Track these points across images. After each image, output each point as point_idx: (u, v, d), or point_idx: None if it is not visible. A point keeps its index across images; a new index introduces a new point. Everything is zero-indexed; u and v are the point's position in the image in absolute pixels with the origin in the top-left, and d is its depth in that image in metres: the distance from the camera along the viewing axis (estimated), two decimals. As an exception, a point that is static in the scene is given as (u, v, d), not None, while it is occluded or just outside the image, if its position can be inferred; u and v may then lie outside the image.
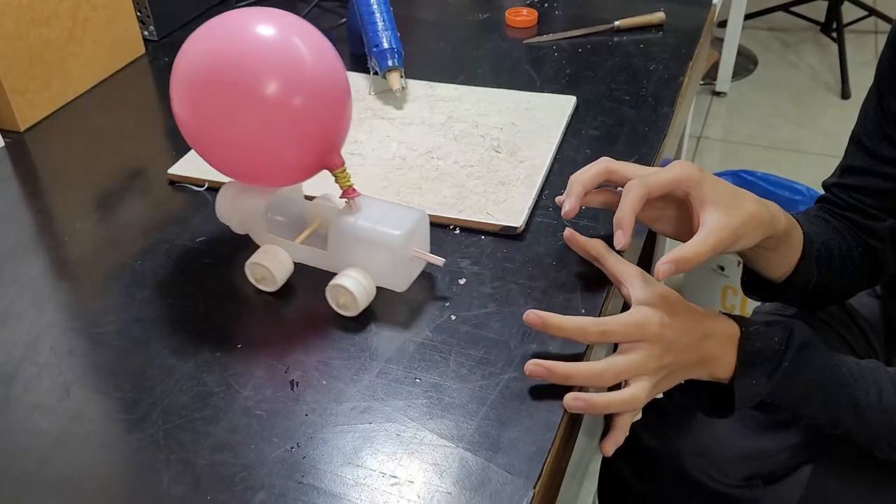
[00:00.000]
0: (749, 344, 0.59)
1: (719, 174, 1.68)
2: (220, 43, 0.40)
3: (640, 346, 0.55)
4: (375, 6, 0.84)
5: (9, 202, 0.76)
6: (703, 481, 0.73)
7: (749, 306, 1.52)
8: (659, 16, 1.00)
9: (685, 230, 0.62)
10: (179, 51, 0.48)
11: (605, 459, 0.89)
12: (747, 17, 2.45)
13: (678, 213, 0.63)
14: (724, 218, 0.57)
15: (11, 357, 0.58)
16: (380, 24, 0.84)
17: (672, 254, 0.55)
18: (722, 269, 1.51)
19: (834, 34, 2.59)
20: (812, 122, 2.37)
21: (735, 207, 0.58)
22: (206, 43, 0.40)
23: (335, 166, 0.59)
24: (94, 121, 0.87)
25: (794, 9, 2.73)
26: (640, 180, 0.59)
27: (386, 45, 0.83)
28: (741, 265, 1.44)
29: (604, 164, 0.62)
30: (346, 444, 0.51)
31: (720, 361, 0.59)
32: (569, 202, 0.60)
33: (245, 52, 0.41)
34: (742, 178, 1.64)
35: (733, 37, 2.36)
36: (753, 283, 0.74)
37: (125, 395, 0.54)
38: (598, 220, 0.69)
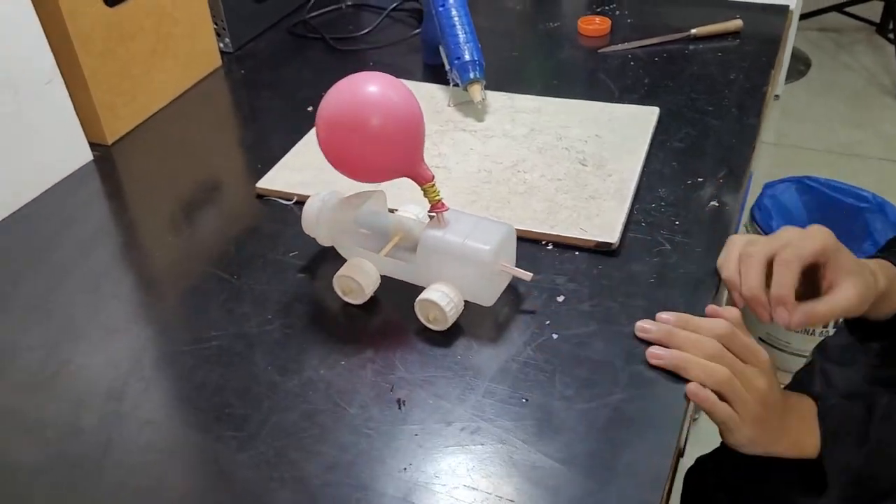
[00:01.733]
0: (831, 417, 0.61)
1: (780, 180, 1.65)
2: (343, 94, 0.58)
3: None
4: (457, 18, 0.84)
5: (101, 216, 0.77)
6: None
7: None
8: (736, 23, 0.99)
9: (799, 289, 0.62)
10: (322, 100, 0.59)
11: (691, 470, 0.88)
12: (800, 17, 2.41)
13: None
14: (856, 286, 0.59)
15: (119, 372, 0.59)
16: (461, 36, 0.83)
17: (807, 307, 0.58)
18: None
19: (890, 35, 2.53)
20: (869, 125, 2.32)
21: (861, 276, 0.60)
22: (335, 95, 0.58)
23: (425, 180, 0.59)
24: (176, 134, 0.88)
25: (848, 9, 2.67)
26: (794, 252, 0.58)
27: (468, 57, 0.83)
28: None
29: (759, 259, 0.60)
30: (458, 466, 0.51)
31: (804, 436, 0.61)
32: (784, 315, 0.59)
33: (357, 101, 0.57)
34: (806, 185, 1.61)
35: (786, 38, 2.32)
36: (855, 322, 0.74)
37: (234, 412, 0.55)
38: (690, 236, 0.68)
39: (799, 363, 1.57)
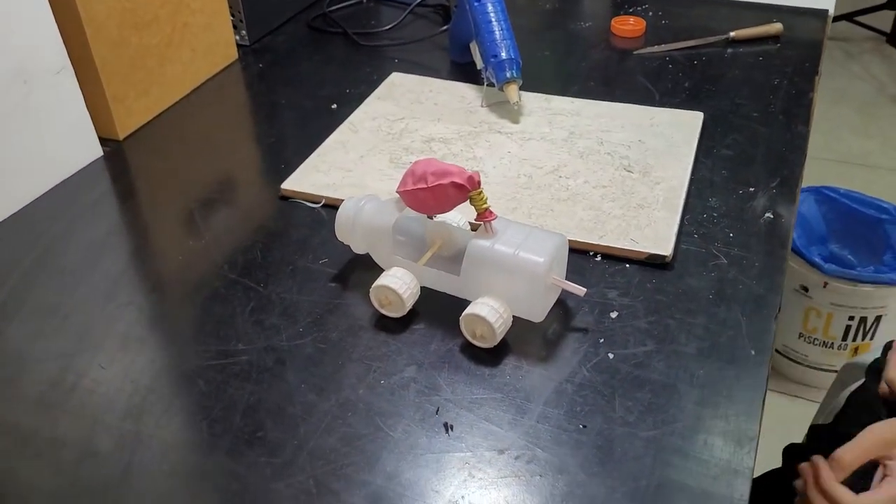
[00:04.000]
0: None
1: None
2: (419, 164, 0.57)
3: None
4: (493, 14, 0.80)
5: (113, 216, 0.72)
6: None
7: (833, 327, 1.46)
8: (777, 27, 0.95)
9: None
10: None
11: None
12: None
13: None
14: None
15: (138, 387, 0.54)
16: (497, 34, 0.79)
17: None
18: (806, 289, 1.45)
19: (901, 44, 2.51)
20: (879, 134, 2.30)
21: None
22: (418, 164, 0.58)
23: (472, 186, 0.55)
24: (191, 130, 0.83)
25: (858, 18, 2.65)
26: None
27: (504, 56, 0.78)
28: (826, 286, 1.37)
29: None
30: (515, 499, 0.46)
31: None
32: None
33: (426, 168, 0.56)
34: (825, 195, 1.57)
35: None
36: None
37: (267, 436, 0.50)
38: (747, 249, 0.64)
39: (818, 376, 1.53)
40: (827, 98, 2.47)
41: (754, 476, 0.85)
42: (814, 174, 2.16)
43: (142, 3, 0.78)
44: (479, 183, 0.55)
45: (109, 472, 0.48)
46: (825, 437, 0.81)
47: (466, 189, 0.55)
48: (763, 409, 0.52)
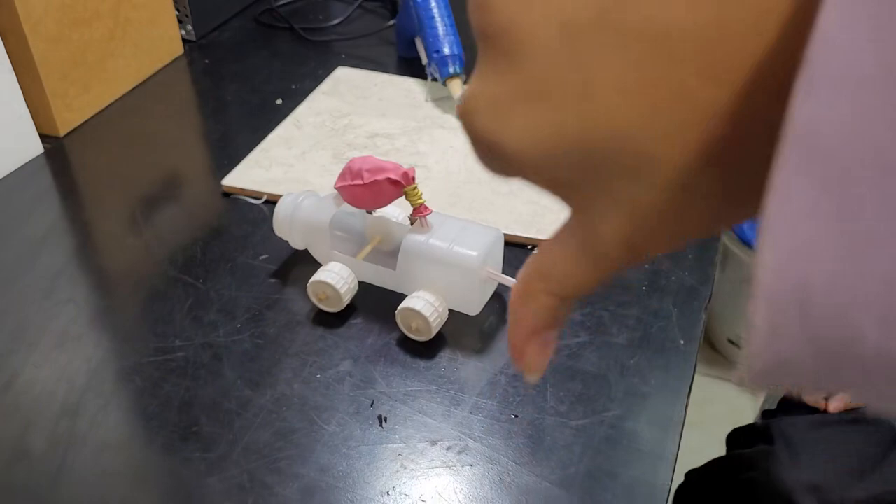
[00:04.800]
0: None
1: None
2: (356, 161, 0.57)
3: None
4: (436, 10, 0.80)
5: (54, 214, 0.71)
6: None
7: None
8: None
9: None
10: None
11: (682, 487, 0.86)
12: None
13: None
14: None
15: (74, 386, 0.54)
16: (440, 29, 0.80)
17: None
18: (755, 278, 1.48)
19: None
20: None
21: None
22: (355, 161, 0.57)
23: (406, 182, 0.56)
24: (134, 126, 0.83)
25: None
26: None
27: (448, 52, 0.79)
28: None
29: None
30: (445, 489, 0.47)
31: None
32: None
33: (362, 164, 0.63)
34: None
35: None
36: None
37: (202, 431, 0.50)
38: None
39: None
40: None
41: (701, 465, 0.87)
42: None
43: (81, -3, 0.77)
44: (413, 179, 0.56)
45: (43, 472, 0.48)
46: (772, 422, 0.84)
47: (401, 185, 0.56)
48: (689, 395, 0.53)
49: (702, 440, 1.08)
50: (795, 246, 0.14)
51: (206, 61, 0.93)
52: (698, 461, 0.89)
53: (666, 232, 0.18)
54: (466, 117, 0.19)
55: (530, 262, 0.21)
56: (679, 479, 0.90)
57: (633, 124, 0.16)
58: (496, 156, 0.18)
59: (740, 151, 0.16)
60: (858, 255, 0.13)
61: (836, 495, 0.73)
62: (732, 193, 0.17)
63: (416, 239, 0.56)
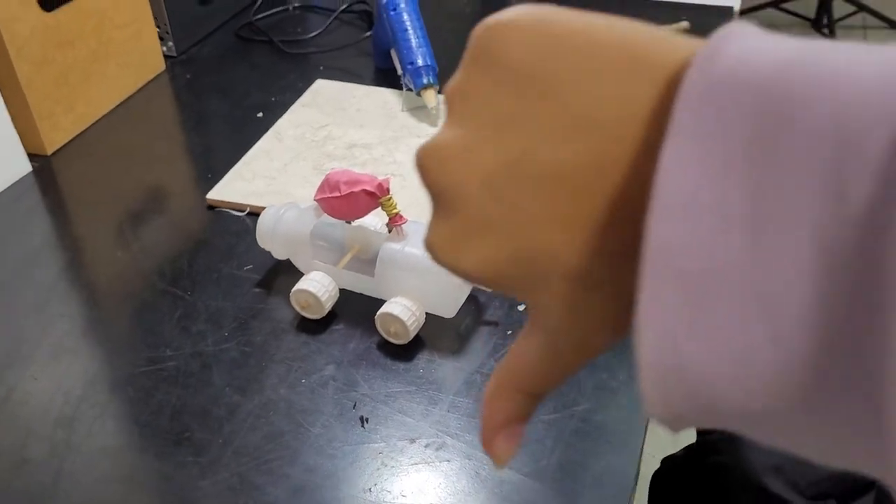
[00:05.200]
0: None
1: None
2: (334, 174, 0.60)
3: None
4: (408, 22, 0.83)
5: (44, 230, 0.74)
6: (778, 494, 0.74)
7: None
8: (683, 25, 1.00)
9: None
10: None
11: (657, 473, 0.89)
12: (741, 13, 2.47)
13: None
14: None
15: (70, 398, 0.56)
16: (413, 41, 0.83)
17: None
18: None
19: (825, 30, 2.61)
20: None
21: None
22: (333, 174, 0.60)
23: (381, 193, 0.59)
24: (119, 142, 0.85)
25: (784, 5, 2.75)
26: None
27: (421, 63, 0.82)
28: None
29: None
30: (425, 484, 0.50)
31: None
32: None
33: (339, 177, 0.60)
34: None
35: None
36: None
37: (194, 436, 0.53)
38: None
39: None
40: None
41: (675, 452, 0.90)
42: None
43: (65, 20, 0.80)
44: (388, 190, 0.59)
45: (41, 479, 0.51)
46: None
47: (376, 196, 0.58)
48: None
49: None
50: (663, 336, 0.17)
51: (188, 76, 0.96)
52: (677, 447, 0.92)
53: (597, 323, 0.21)
54: (429, 252, 0.24)
55: (502, 361, 0.25)
56: (656, 465, 0.93)
57: (551, 240, 0.21)
58: (461, 277, 0.23)
59: (632, 254, 0.19)
60: (711, 342, 0.17)
61: (798, 475, 0.76)
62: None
63: (393, 247, 0.59)
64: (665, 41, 0.20)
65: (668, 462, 0.91)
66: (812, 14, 2.77)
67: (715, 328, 0.17)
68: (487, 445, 0.25)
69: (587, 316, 0.21)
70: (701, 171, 0.17)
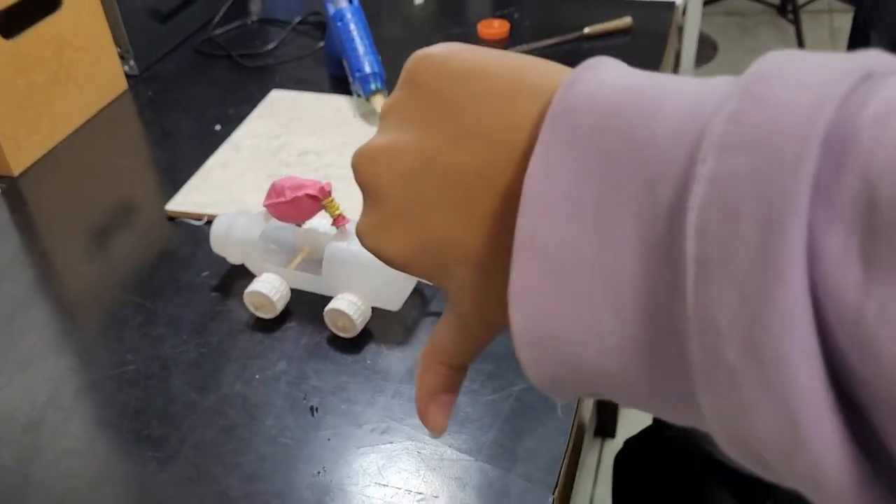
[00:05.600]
0: None
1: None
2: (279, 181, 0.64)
3: None
4: (355, 32, 0.86)
5: (12, 248, 0.77)
6: (730, 465, 0.77)
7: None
8: (626, 21, 1.04)
9: None
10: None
11: (620, 453, 0.93)
12: (705, 3, 2.51)
13: None
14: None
15: (36, 404, 0.60)
16: (360, 49, 0.86)
17: None
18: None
19: (790, 16, 2.65)
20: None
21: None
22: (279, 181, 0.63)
23: (323, 196, 0.62)
24: (84, 160, 0.88)
25: (749, -7, 2.79)
26: None
27: (368, 70, 0.85)
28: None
29: None
30: (369, 465, 0.53)
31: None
32: None
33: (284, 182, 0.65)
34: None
35: (693, 25, 2.41)
36: None
37: (153, 434, 0.57)
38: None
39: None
40: (725, 72, 2.58)
41: (632, 435, 0.94)
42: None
43: (24, 45, 0.83)
44: (329, 192, 0.62)
45: (10, 483, 0.54)
46: None
47: (319, 198, 0.62)
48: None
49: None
50: (531, 308, 0.21)
51: (150, 94, 0.99)
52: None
53: (497, 303, 0.24)
54: (359, 239, 0.28)
55: (428, 339, 0.29)
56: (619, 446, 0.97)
57: (454, 232, 0.25)
58: (383, 262, 0.27)
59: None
60: (569, 313, 0.21)
61: None
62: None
63: (338, 246, 0.63)
64: (546, 70, 0.24)
65: (629, 442, 0.95)
66: (777, 0, 2.81)
67: (571, 301, 0.21)
68: (422, 416, 0.29)
69: (488, 298, 0.25)
70: (559, 175, 0.21)
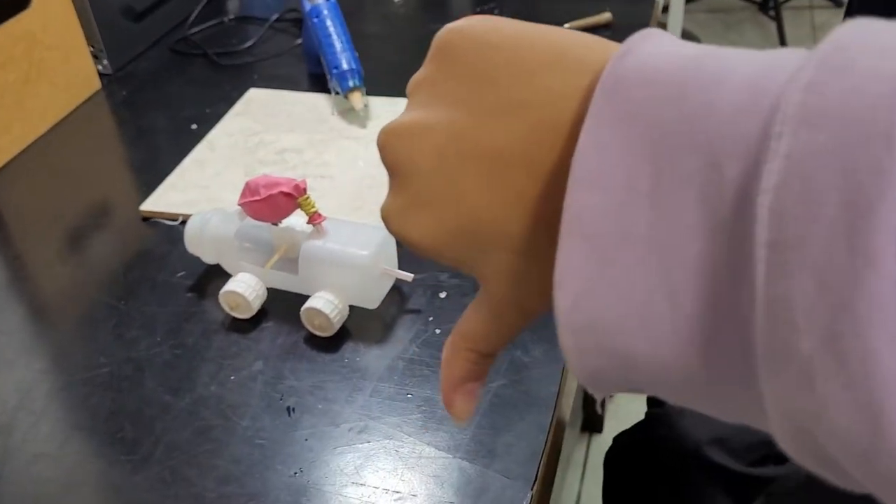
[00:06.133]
0: None
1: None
2: (254, 179, 0.62)
3: None
4: (332, 28, 0.86)
5: (-17, 251, 0.76)
6: (722, 464, 0.77)
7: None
8: (606, 16, 1.03)
9: None
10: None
11: (610, 451, 0.93)
12: (688, 0, 2.51)
13: None
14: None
15: (6, 407, 0.58)
16: (337, 46, 0.85)
17: None
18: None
19: (772, 12, 2.67)
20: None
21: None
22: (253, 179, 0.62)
23: (298, 193, 0.61)
24: (58, 161, 0.87)
25: (731, -10, 2.80)
26: None
27: (346, 67, 0.84)
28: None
29: None
30: (347, 465, 0.53)
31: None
32: None
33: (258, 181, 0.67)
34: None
35: (676, 21, 2.41)
36: None
37: (126, 436, 0.56)
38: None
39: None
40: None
41: (622, 431, 0.93)
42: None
43: (-6, 44, 0.82)
44: (304, 190, 0.61)
45: (-20, 487, 0.53)
46: None
47: (294, 196, 0.61)
48: (566, 365, 0.59)
49: (638, 405, 1.15)
50: (577, 293, 0.20)
51: (124, 93, 0.98)
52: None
53: (535, 289, 0.23)
54: (385, 223, 0.26)
55: (456, 325, 0.27)
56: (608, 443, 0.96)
57: (492, 213, 0.23)
58: (409, 247, 0.25)
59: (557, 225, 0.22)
60: (617, 296, 0.19)
61: (737, 443, 0.80)
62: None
63: (314, 244, 0.62)
64: (592, 43, 0.23)
65: (619, 439, 0.95)
66: (758, -3, 2.82)
67: (623, 285, 0.19)
68: (448, 404, 0.28)
69: (527, 283, 0.23)
70: (611, 150, 0.19)
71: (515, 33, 0.24)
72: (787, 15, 2.67)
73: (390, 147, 0.25)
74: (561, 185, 0.20)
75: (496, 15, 1.07)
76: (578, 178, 0.20)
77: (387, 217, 0.26)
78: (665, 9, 2.40)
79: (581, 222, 0.20)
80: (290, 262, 0.65)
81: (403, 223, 0.25)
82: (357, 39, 0.90)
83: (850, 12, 0.83)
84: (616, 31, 1.03)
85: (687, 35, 2.69)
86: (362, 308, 0.63)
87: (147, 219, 0.76)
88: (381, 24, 1.11)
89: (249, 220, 0.66)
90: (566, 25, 1.02)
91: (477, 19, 0.25)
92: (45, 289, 0.71)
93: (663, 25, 2.45)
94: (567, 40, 0.23)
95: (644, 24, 1.04)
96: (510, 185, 0.22)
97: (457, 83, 0.24)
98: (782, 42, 2.53)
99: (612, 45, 0.23)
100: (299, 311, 0.62)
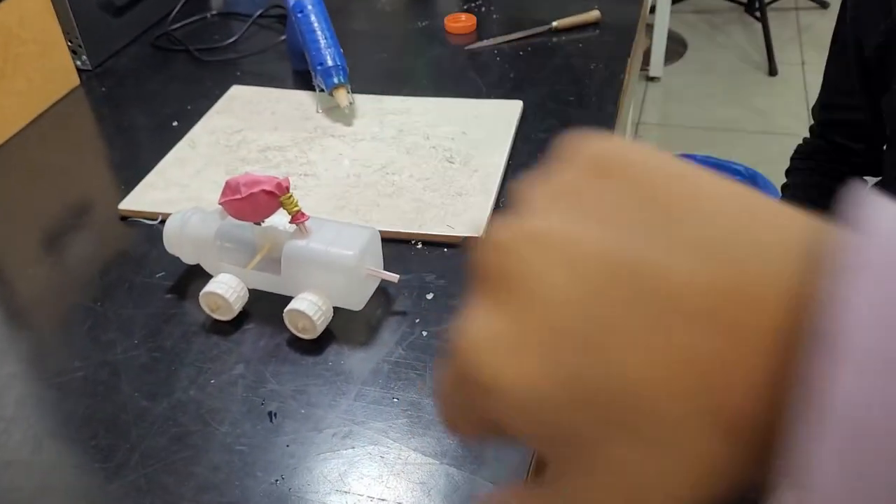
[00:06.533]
0: None
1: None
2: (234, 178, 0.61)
3: None
4: (316, 24, 0.84)
5: (-46, 251, 0.73)
6: None
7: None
8: (594, 14, 1.02)
9: None
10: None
11: None
12: (674, 1, 2.51)
13: None
14: None
15: (-24, 414, 0.56)
16: (322, 42, 0.83)
17: None
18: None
19: (757, 13, 2.67)
20: (744, 101, 2.44)
21: None
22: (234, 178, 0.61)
23: (281, 192, 0.59)
24: (35, 158, 0.85)
25: (718, -9, 2.80)
26: None
27: (330, 63, 0.83)
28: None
29: None
30: (330, 472, 0.51)
31: None
32: None
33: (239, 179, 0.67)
34: (683, 162, 1.68)
35: (663, 22, 2.41)
36: None
37: (100, 443, 0.54)
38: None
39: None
40: (695, 70, 2.61)
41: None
42: (684, 142, 2.29)
43: (-33, 38, 0.79)
44: (287, 188, 0.59)
45: (-53, 496, 0.51)
46: None
47: (276, 195, 0.59)
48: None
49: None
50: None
51: (104, 89, 0.96)
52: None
53: (649, 491, 0.17)
54: (460, 348, 0.19)
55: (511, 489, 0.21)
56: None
57: (645, 380, 0.16)
58: (485, 391, 0.18)
59: (753, 417, 0.16)
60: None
61: None
62: (740, 460, 0.17)
63: (297, 244, 0.60)
64: (778, 210, 0.18)
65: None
66: (745, -2, 2.83)
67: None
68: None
69: (640, 478, 0.17)
70: (874, 322, 0.14)
71: (681, 166, 0.19)
72: (772, 16, 2.67)
73: (519, 254, 0.19)
74: (771, 353, 0.16)
75: (483, 12, 1.06)
76: (842, 356, 0.15)
77: (474, 342, 0.19)
78: (651, 9, 2.40)
79: (834, 404, 0.15)
80: (273, 262, 0.63)
81: (498, 357, 0.18)
82: (342, 37, 0.88)
83: (844, 11, 0.81)
84: (604, 29, 1.02)
85: (674, 36, 2.69)
86: (347, 310, 0.62)
87: (125, 218, 0.74)
88: (367, 21, 1.09)
89: (230, 220, 0.64)
90: (554, 23, 1.01)
91: (636, 143, 0.21)
92: (19, 290, 0.68)
93: (650, 27, 2.45)
94: (740, 190, 0.19)
95: (632, 21, 1.03)
96: (679, 342, 0.16)
97: (619, 201, 0.19)
98: (767, 43, 2.54)
99: (796, 214, 0.18)
100: (282, 312, 0.60)
